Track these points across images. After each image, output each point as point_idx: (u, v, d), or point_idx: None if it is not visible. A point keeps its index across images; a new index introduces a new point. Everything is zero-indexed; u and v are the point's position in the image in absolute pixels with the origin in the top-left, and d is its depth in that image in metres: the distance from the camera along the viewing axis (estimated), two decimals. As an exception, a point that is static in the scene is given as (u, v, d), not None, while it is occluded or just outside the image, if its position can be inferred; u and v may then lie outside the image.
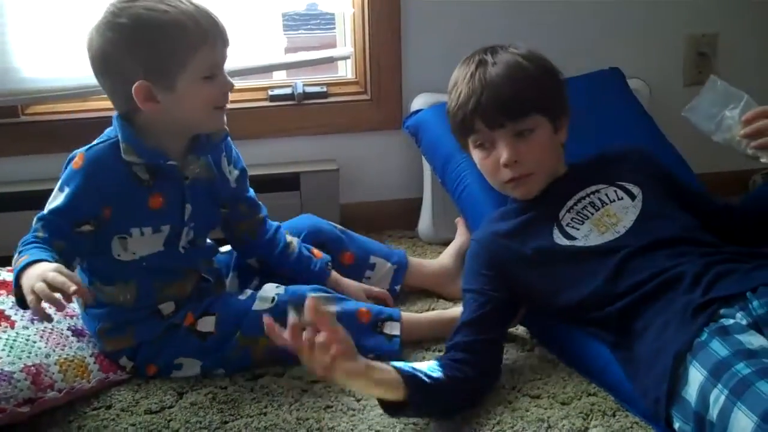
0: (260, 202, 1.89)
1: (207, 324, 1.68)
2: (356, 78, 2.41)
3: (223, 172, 1.76)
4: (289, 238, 1.88)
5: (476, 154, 1.74)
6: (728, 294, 1.42)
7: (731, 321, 1.38)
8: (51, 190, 2.11)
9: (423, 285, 2.01)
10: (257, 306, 1.68)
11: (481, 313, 1.63)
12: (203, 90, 1.61)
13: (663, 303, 1.49)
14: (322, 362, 1.32)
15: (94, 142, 1.65)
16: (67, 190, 1.59)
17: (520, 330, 1.81)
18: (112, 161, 1.61)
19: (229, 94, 1.66)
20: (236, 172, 1.80)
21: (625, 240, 1.60)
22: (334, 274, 1.90)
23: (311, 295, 1.45)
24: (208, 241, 1.81)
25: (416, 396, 1.43)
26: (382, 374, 1.42)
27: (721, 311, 1.40)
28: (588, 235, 1.64)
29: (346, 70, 2.47)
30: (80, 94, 2.17)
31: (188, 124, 1.66)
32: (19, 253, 1.50)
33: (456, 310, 1.77)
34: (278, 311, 1.66)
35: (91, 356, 1.65)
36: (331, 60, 2.40)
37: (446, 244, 2.28)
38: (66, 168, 1.62)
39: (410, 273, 1.99)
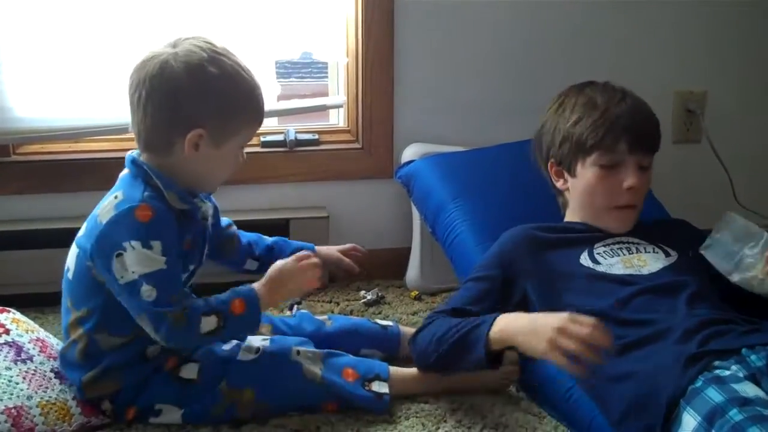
0: (224, 218, 1.91)
1: (190, 371, 1.65)
2: (348, 126, 2.43)
3: None
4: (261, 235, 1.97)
5: (594, 172, 1.79)
6: (724, 348, 1.44)
7: (727, 372, 1.39)
8: (42, 230, 2.15)
9: None
10: (242, 356, 1.66)
11: (471, 307, 1.73)
12: (235, 158, 1.68)
13: (650, 351, 1.51)
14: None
15: (132, 192, 1.58)
16: (156, 244, 1.54)
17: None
18: (166, 207, 1.60)
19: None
20: (211, 208, 1.81)
21: (645, 280, 1.65)
22: (318, 248, 1.96)
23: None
24: None
25: None
26: None
27: (716, 363, 1.42)
28: (613, 265, 1.71)
29: (338, 119, 2.48)
30: (73, 135, 2.17)
31: (200, 179, 1.67)
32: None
33: None
34: (263, 362, 1.66)
35: (73, 399, 1.62)
36: (324, 108, 2.42)
37: (434, 293, 2.29)
38: (125, 224, 1.55)
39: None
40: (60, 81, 2.14)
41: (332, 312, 2.15)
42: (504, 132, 2.20)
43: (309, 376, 1.66)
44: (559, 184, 1.91)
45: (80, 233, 1.66)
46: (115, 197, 1.59)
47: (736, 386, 1.35)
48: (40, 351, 1.69)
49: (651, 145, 1.82)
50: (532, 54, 2.43)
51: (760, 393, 1.34)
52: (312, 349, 1.72)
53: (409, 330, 1.94)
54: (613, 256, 1.74)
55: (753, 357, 1.42)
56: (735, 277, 1.55)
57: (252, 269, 1.93)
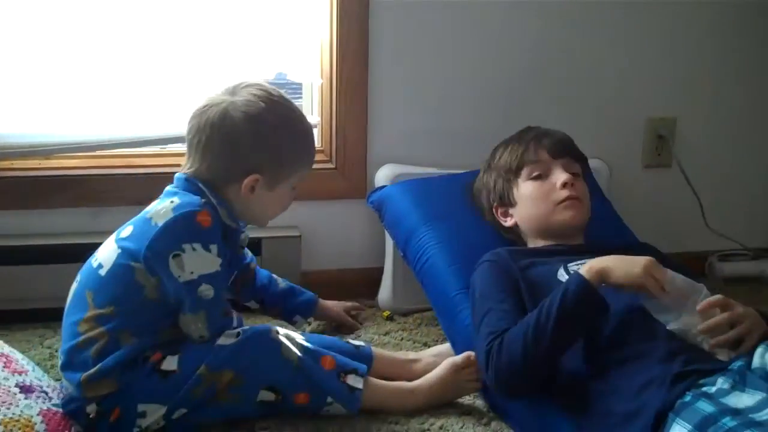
0: (247, 252, 2.02)
1: (170, 363, 1.63)
2: (322, 147, 2.43)
3: None
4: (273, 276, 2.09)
5: (529, 185, 1.95)
6: (708, 368, 1.45)
7: (714, 388, 1.40)
8: (9, 247, 2.12)
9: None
10: (222, 341, 1.66)
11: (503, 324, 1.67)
12: (287, 197, 1.80)
13: (634, 368, 1.51)
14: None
15: (190, 198, 1.66)
16: (213, 248, 1.63)
17: (477, 403, 1.80)
18: (219, 219, 1.68)
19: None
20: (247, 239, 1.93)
21: (624, 296, 1.62)
22: (321, 300, 2.12)
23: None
24: None
25: None
26: None
27: (701, 381, 1.42)
28: None
29: (311, 139, 2.48)
30: (43, 152, 2.15)
31: (253, 215, 1.78)
32: None
33: (415, 383, 1.78)
34: (242, 341, 1.66)
35: (38, 415, 1.57)
36: (297, 129, 2.41)
37: (406, 314, 2.29)
38: (186, 227, 1.62)
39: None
40: (30, 96, 2.13)
41: (304, 331, 2.13)
42: (477, 156, 2.20)
43: (286, 355, 1.66)
44: (507, 222, 2.01)
45: (122, 234, 1.68)
46: (171, 202, 1.65)
47: (725, 400, 1.36)
48: (3, 366, 1.65)
49: (571, 150, 1.98)
50: (505, 81, 2.44)
51: (749, 402, 1.34)
52: (294, 332, 1.75)
53: (380, 351, 1.93)
54: None
55: (736, 363, 1.43)
56: (674, 326, 1.56)
57: (252, 307, 2.09)
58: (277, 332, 1.69)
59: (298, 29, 2.31)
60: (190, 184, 1.69)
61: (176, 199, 1.65)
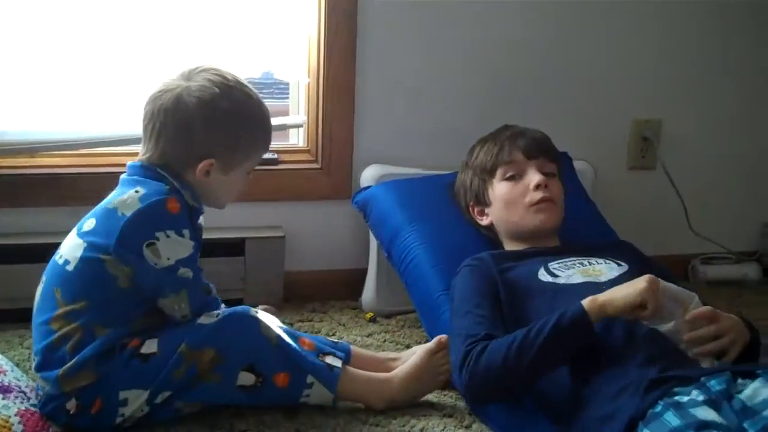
0: None
1: (150, 346, 1.63)
2: (308, 146, 2.43)
3: None
4: None
5: (503, 186, 1.97)
6: (685, 375, 1.45)
7: (686, 398, 1.40)
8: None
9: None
10: (202, 320, 1.66)
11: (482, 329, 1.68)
12: (242, 182, 1.79)
13: (612, 373, 1.52)
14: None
15: (155, 187, 1.65)
16: (186, 232, 1.65)
17: (459, 405, 1.80)
18: (185, 201, 1.69)
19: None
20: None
21: (605, 286, 1.65)
22: None
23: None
24: None
25: None
26: None
27: (676, 389, 1.42)
28: (571, 276, 1.76)
29: (297, 138, 2.48)
30: (30, 149, 2.15)
31: (209, 199, 1.78)
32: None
33: (391, 373, 1.81)
34: (222, 321, 1.66)
35: (15, 415, 1.57)
36: (284, 128, 2.41)
37: (389, 315, 2.29)
38: (157, 216, 1.63)
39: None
40: (16, 94, 2.12)
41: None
42: (464, 157, 2.21)
43: (266, 334, 1.67)
44: (484, 221, 2.02)
45: (85, 228, 1.67)
46: (136, 191, 1.64)
47: (694, 411, 1.36)
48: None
49: (546, 150, 1.99)
50: (493, 82, 2.45)
51: (717, 418, 1.34)
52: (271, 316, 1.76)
53: (359, 349, 1.93)
54: (569, 269, 1.78)
55: (713, 382, 1.43)
56: (662, 328, 1.57)
57: None
58: (257, 312, 1.71)
59: (285, 27, 2.31)
60: (150, 171, 1.69)
61: (141, 189, 1.65)
